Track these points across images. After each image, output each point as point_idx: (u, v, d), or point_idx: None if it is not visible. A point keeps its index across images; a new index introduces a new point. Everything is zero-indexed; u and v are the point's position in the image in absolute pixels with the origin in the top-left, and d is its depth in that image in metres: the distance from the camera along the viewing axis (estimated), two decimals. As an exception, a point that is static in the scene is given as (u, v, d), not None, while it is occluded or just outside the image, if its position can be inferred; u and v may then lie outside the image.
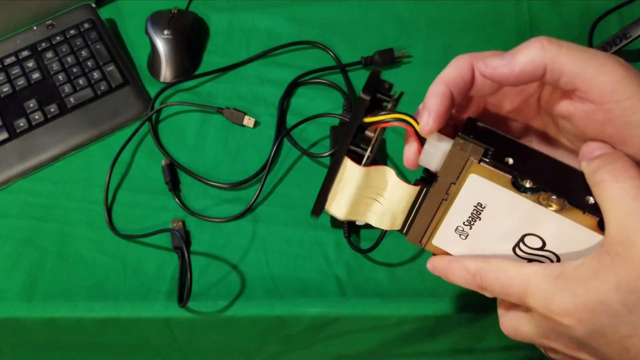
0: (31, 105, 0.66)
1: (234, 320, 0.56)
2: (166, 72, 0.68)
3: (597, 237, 0.29)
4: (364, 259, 0.58)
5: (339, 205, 0.35)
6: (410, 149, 0.33)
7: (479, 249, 0.33)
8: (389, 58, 0.68)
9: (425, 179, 0.34)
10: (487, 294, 0.32)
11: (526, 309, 0.32)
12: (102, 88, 0.67)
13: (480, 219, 0.32)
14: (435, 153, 0.32)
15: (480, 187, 0.31)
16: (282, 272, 0.58)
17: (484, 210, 0.32)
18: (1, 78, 0.67)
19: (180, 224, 0.60)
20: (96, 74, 0.67)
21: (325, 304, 0.56)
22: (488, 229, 0.32)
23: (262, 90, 0.68)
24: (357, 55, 0.69)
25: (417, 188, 0.34)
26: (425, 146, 0.32)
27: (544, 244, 0.31)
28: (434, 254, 0.36)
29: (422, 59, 0.69)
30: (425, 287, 0.57)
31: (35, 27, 0.71)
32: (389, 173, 0.34)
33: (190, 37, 0.70)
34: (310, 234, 0.59)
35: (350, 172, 0.33)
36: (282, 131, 0.65)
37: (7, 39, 0.70)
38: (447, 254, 0.35)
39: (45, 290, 0.57)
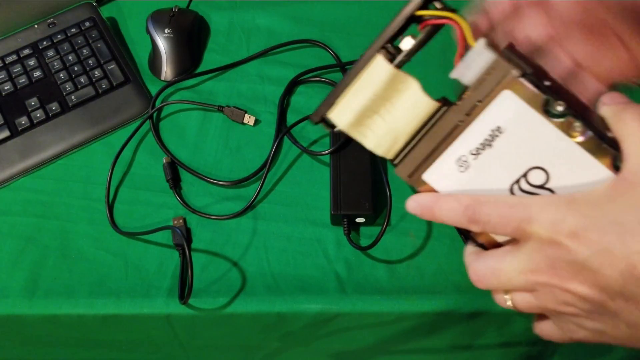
0: (32, 103, 0.66)
1: (234, 316, 0.56)
2: (167, 71, 0.69)
3: (608, 174, 0.29)
4: (364, 256, 0.58)
5: (344, 112, 0.33)
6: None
7: (474, 184, 0.32)
8: (388, 56, 0.68)
9: (447, 100, 0.32)
10: (476, 228, 0.31)
11: (511, 245, 0.31)
12: (103, 86, 0.67)
13: (491, 147, 0.31)
14: (477, 60, 0.30)
15: (509, 107, 0.30)
16: (283, 269, 0.58)
17: (500, 136, 0.30)
18: (3, 76, 0.67)
19: (181, 221, 0.60)
20: (97, 72, 0.68)
21: (325, 301, 0.56)
22: (495, 160, 0.31)
23: (262, 88, 0.68)
24: (357, 54, 0.68)
25: (436, 104, 0.32)
26: (470, 52, 0.31)
27: (547, 179, 0.30)
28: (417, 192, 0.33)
29: (421, 58, 0.69)
30: (425, 284, 0.57)
31: (36, 26, 0.71)
32: (413, 85, 0.32)
33: (191, 36, 0.70)
34: (310, 231, 0.60)
35: (376, 70, 0.32)
36: (282, 129, 0.65)
37: (8, 37, 0.70)
38: (437, 192, 0.33)
39: (47, 288, 0.57)
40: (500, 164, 0.31)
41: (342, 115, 0.33)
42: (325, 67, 0.69)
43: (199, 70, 0.70)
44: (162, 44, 0.69)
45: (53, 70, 0.68)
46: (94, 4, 0.73)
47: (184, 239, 0.55)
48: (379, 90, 0.32)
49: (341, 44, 0.71)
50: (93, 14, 0.72)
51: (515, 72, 0.30)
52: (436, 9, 0.31)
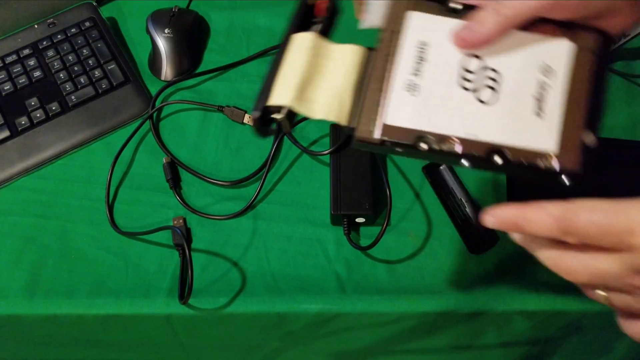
0: (32, 103, 0.66)
1: (234, 316, 0.56)
2: (167, 71, 0.69)
3: (528, 36, 0.33)
4: (364, 256, 0.58)
5: (283, 92, 0.34)
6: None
7: (432, 99, 0.33)
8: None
9: (370, 48, 0.35)
10: (572, 239, 0.30)
11: (607, 249, 0.29)
12: (103, 86, 0.67)
13: (426, 60, 0.34)
14: (375, 5, 0.35)
15: (418, 23, 0.34)
16: (282, 269, 0.58)
17: (427, 48, 0.34)
18: (2, 76, 0.67)
19: (181, 221, 0.60)
20: (97, 72, 0.68)
21: (325, 301, 0.56)
22: (435, 68, 0.33)
23: (262, 88, 0.68)
24: (357, 54, 0.69)
25: (362, 48, 0.35)
26: (367, 4, 0.35)
27: (482, 60, 0.33)
28: (395, 144, 0.33)
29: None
30: (425, 284, 0.57)
31: (36, 26, 0.71)
32: (334, 45, 0.35)
33: (191, 36, 0.70)
34: (310, 231, 0.60)
35: (296, 45, 0.35)
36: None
37: (8, 37, 0.70)
38: (405, 130, 0.33)
39: (47, 287, 0.57)
40: (441, 69, 0.34)
41: (282, 95, 0.34)
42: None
43: (199, 70, 0.70)
44: (162, 44, 0.69)
45: (53, 70, 0.68)
46: (94, 4, 0.73)
47: (184, 239, 0.55)
48: (307, 62, 0.34)
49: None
50: (93, 14, 0.72)
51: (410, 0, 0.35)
52: None
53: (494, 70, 0.34)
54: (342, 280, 0.57)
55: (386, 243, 0.58)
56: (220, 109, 0.66)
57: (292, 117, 0.34)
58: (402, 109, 0.33)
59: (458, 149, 0.33)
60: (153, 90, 0.69)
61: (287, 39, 0.35)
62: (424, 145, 0.33)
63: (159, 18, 0.70)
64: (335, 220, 0.59)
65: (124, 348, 0.65)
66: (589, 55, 0.33)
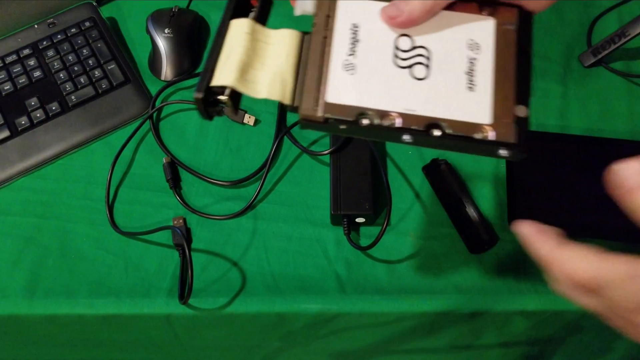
0: (32, 103, 0.66)
1: (234, 316, 0.56)
2: (167, 71, 0.69)
3: (453, 15, 0.35)
4: (364, 256, 0.58)
5: (225, 72, 0.34)
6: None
7: (368, 77, 0.35)
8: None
9: (306, 32, 0.37)
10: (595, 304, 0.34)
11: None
12: (103, 86, 0.67)
13: (359, 41, 0.35)
14: None
15: (347, 8, 0.36)
16: (282, 269, 0.58)
17: (359, 29, 0.36)
18: (2, 76, 0.67)
19: (181, 221, 0.60)
20: (97, 72, 0.68)
21: (325, 301, 0.56)
22: (369, 48, 0.35)
23: (262, 88, 0.68)
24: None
25: (298, 32, 0.37)
26: None
27: (412, 40, 0.35)
28: (338, 121, 0.34)
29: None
30: (424, 284, 0.57)
31: (36, 26, 0.71)
32: (271, 30, 0.37)
33: (191, 36, 0.70)
34: (310, 231, 0.60)
35: (236, 30, 0.36)
36: (282, 129, 0.65)
37: (8, 37, 0.70)
38: (346, 107, 0.34)
39: (47, 287, 0.57)
40: (375, 48, 0.35)
41: (224, 76, 0.34)
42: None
43: (199, 70, 0.70)
44: (162, 43, 0.69)
45: (53, 70, 0.68)
46: (94, 4, 0.73)
47: (184, 239, 0.55)
48: (246, 47, 0.35)
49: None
50: (93, 14, 0.72)
51: None
52: None
53: (424, 48, 0.35)
54: (342, 280, 0.57)
55: (386, 243, 0.58)
56: (220, 109, 0.66)
57: (236, 98, 0.35)
58: (342, 88, 0.35)
59: (398, 123, 0.34)
60: (153, 90, 0.69)
61: (225, 25, 0.36)
62: (365, 121, 0.34)
63: (159, 18, 0.70)
64: (335, 220, 0.59)
65: (124, 348, 0.65)
66: (511, 32, 0.35)
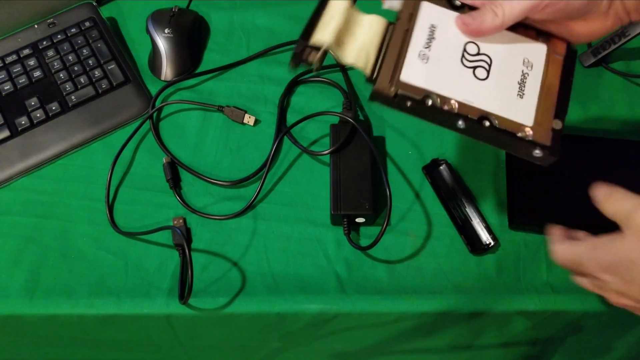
0: (32, 103, 0.66)
1: (234, 316, 0.56)
2: (167, 71, 0.69)
3: (515, 36, 0.43)
4: (364, 256, 0.58)
5: (324, 33, 0.41)
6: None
7: (437, 67, 0.41)
8: (388, 56, 0.68)
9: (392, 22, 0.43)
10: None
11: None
12: (104, 86, 0.67)
13: (435, 39, 0.42)
14: None
15: (429, 11, 0.43)
16: (282, 269, 0.58)
17: (436, 30, 0.42)
18: (2, 76, 0.67)
19: (181, 221, 0.60)
20: (97, 72, 0.68)
21: (325, 301, 0.56)
22: (442, 46, 0.42)
23: (262, 88, 0.68)
24: (357, 54, 0.69)
25: (385, 20, 0.43)
26: None
27: (479, 48, 0.42)
28: (406, 98, 0.40)
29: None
30: (424, 284, 0.57)
31: (36, 26, 0.71)
32: (363, 15, 0.43)
33: (191, 36, 0.70)
34: (310, 231, 0.60)
35: (336, 6, 0.42)
36: (282, 129, 0.65)
37: (8, 37, 0.70)
38: (416, 88, 0.40)
39: (47, 287, 0.57)
40: (446, 47, 0.42)
41: (324, 34, 0.41)
42: (325, 67, 0.69)
43: (199, 70, 0.70)
44: (162, 44, 0.69)
45: (53, 70, 0.68)
46: (94, 4, 0.73)
47: (184, 239, 0.55)
48: (341, 22, 0.42)
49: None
50: (93, 14, 0.72)
51: None
52: None
53: (487, 55, 0.42)
54: (342, 280, 0.57)
55: (386, 243, 0.58)
56: (220, 109, 0.66)
57: (323, 58, 0.42)
58: (415, 71, 0.41)
59: (456, 108, 0.40)
60: (153, 90, 0.69)
61: (325, 2, 0.43)
62: (429, 102, 0.40)
63: (159, 18, 0.70)
64: (335, 220, 0.59)
65: (124, 348, 0.65)
66: (559, 60, 0.43)
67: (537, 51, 0.43)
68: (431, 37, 0.42)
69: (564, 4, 0.41)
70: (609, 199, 0.42)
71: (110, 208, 0.61)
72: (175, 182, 0.62)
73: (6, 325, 0.59)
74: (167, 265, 0.58)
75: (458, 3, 0.43)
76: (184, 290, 0.56)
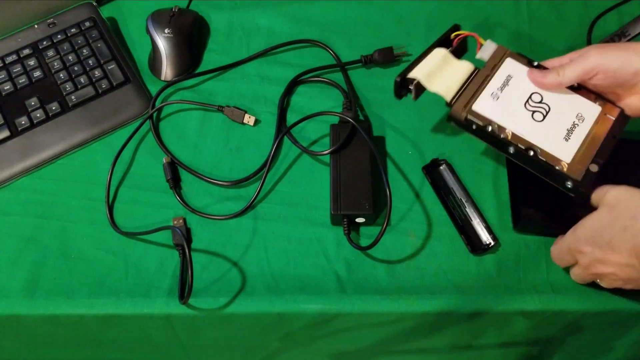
0: (32, 103, 0.66)
1: (234, 316, 0.56)
2: (167, 71, 0.69)
3: (575, 95, 0.54)
4: (364, 256, 0.58)
5: (419, 72, 0.55)
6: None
7: (503, 106, 0.53)
8: (388, 56, 0.68)
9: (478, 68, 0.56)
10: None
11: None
12: (104, 86, 0.67)
13: (508, 85, 0.54)
14: (489, 47, 0.56)
15: (510, 65, 0.55)
16: (283, 269, 0.58)
17: (511, 80, 0.54)
18: (2, 76, 0.67)
19: (181, 221, 0.60)
20: (97, 72, 0.68)
21: (325, 301, 0.56)
22: (512, 92, 0.54)
23: (262, 88, 0.68)
24: (357, 54, 0.69)
25: (473, 66, 0.56)
26: (484, 45, 0.56)
27: (542, 98, 0.54)
28: (472, 122, 0.52)
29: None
30: (424, 284, 0.57)
31: (36, 26, 0.71)
32: (456, 61, 0.56)
33: (191, 36, 0.70)
34: (310, 231, 0.60)
35: (437, 52, 0.56)
36: (282, 129, 0.65)
37: (8, 37, 0.70)
38: (482, 116, 0.52)
39: (47, 287, 0.57)
40: (515, 93, 0.54)
41: (417, 73, 0.55)
42: (325, 67, 0.69)
43: (199, 70, 0.70)
44: (162, 44, 0.69)
45: (53, 70, 0.68)
46: (94, 4, 0.73)
47: (184, 239, 0.55)
48: (437, 64, 0.56)
49: (341, 44, 0.71)
50: (93, 14, 0.72)
51: (511, 51, 0.57)
52: (460, 31, 0.60)
53: (548, 105, 0.53)
54: (342, 280, 0.57)
55: (386, 243, 0.58)
56: (220, 109, 0.66)
57: (419, 90, 0.56)
58: (485, 105, 0.53)
59: (510, 137, 0.51)
60: (153, 90, 0.69)
61: (432, 47, 0.57)
62: (489, 128, 0.52)
63: (159, 18, 0.70)
64: (335, 220, 0.59)
65: (124, 348, 0.65)
66: (609, 120, 0.53)
67: (591, 110, 0.53)
68: (505, 84, 0.54)
69: (613, 73, 0.50)
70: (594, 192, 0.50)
71: (110, 208, 0.61)
72: (175, 182, 0.62)
73: (6, 325, 0.59)
74: (167, 265, 0.58)
75: (535, 63, 0.55)
76: (184, 290, 0.56)
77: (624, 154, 0.61)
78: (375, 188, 0.59)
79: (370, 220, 0.59)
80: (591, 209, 0.49)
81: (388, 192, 0.58)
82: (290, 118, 0.66)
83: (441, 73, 0.55)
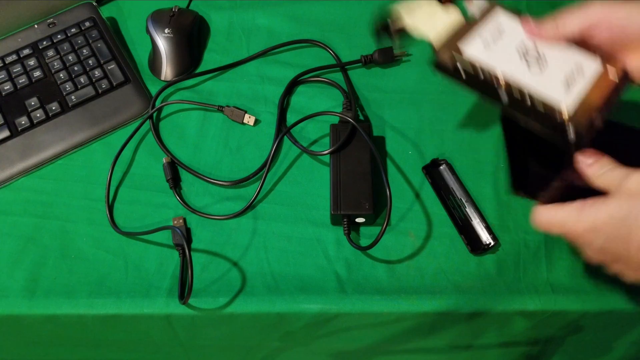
0: (32, 103, 0.66)
1: (234, 316, 0.56)
2: (167, 71, 0.69)
3: (575, 48, 0.49)
4: (364, 256, 0.58)
5: (406, 9, 0.52)
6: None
7: (498, 55, 0.48)
8: (388, 56, 0.68)
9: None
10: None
11: None
12: (103, 86, 0.67)
13: (501, 36, 0.49)
14: (479, 3, 0.52)
15: (500, 16, 0.51)
16: (282, 269, 0.58)
17: (504, 31, 0.50)
18: (2, 76, 0.67)
19: (181, 221, 0.60)
20: (97, 72, 0.68)
21: (325, 301, 0.56)
22: (505, 42, 0.49)
23: (262, 88, 0.68)
24: (357, 54, 0.69)
25: (462, 17, 0.51)
26: (473, 3, 0.52)
27: (538, 51, 0.48)
28: (458, 70, 0.47)
29: (420, 58, 0.69)
30: (424, 284, 0.57)
31: (36, 26, 0.71)
32: (447, 8, 0.53)
33: (191, 36, 0.70)
34: (310, 231, 0.60)
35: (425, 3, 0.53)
36: (282, 129, 0.65)
37: (8, 37, 0.71)
38: (473, 63, 0.47)
39: (47, 287, 0.57)
40: (509, 44, 0.49)
41: (404, 10, 0.53)
42: (325, 67, 0.69)
43: (199, 70, 0.70)
44: (162, 44, 0.69)
45: (53, 70, 0.68)
46: (94, 4, 0.73)
47: (184, 239, 0.55)
48: (426, 10, 0.53)
49: (341, 44, 0.71)
50: (93, 14, 0.72)
51: (502, 5, 0.52)
52: None
53: (544, 57, 0.48)
54: (342, 280, 0.57)
55: (386, 243, 0.58)
56: (220, 109, 0.66)
57: (400, 32, 0.53)
58: (476, 51, 0.48)
59: (503, 84, 0.46)
60: (153, 90, 0.69)
61: None
62: (481, 75, 0.47)
63: (159, 18, 0.70)
64: (335, 220, 0.59)
65: (124, 348, 0.65)
66: (611, 80, 0.47)
67: (591, 62, 0.48)
68: (498, 35, 0.50)
69: (619, 28, 0.45)
70: (597, 172, 0.44)
71: (110, 208, 0.61)
72: (175, 182, 0.62)
73: (6, 326, 0.59)
74: (167, 265, 0.58)
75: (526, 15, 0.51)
76: (184, 290, 0.56)
77: (621, 139, 0.61)
78: (375, 188, 0.59)
79: (370, 220, 0.59)
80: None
81: (388, 192, 0.58)
82: (290, 118, 0.66)
83: (429, 18, 0.52)
